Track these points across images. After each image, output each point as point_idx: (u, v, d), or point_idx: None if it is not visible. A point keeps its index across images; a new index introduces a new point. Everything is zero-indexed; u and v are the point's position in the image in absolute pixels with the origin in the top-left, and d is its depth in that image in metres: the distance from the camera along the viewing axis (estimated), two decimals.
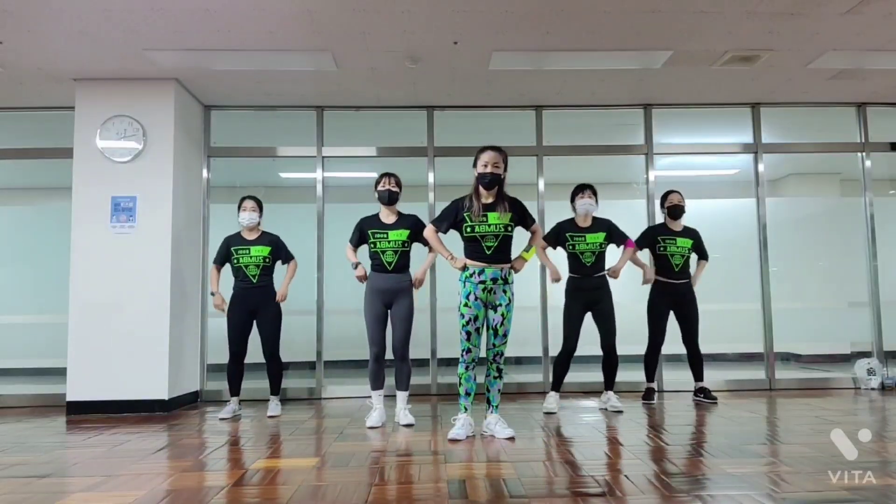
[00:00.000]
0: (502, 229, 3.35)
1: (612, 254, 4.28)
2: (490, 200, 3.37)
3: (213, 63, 4.34)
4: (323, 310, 5.12)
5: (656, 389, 4.68)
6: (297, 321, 4.85)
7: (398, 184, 3.91)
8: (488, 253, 3.34)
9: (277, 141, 5.30)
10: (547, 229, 4.43)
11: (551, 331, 5.13)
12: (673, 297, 4.47)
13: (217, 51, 4.13)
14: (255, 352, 4.26)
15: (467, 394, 3.43)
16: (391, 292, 3.81)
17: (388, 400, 3.94)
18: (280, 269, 4.38)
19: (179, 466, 2.89)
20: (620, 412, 4.06)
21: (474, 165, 3.38)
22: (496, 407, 3.46)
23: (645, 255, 4.61)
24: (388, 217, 3.90)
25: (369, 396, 3.91)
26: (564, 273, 4.20)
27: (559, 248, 4.27)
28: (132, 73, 4.50)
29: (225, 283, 4.31)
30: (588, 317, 4.20)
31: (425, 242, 3.80)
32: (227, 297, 4.25)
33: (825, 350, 6.01)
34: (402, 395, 3.82)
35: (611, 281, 4.21)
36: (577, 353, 4.19)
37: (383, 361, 3.83)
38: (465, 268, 3.38)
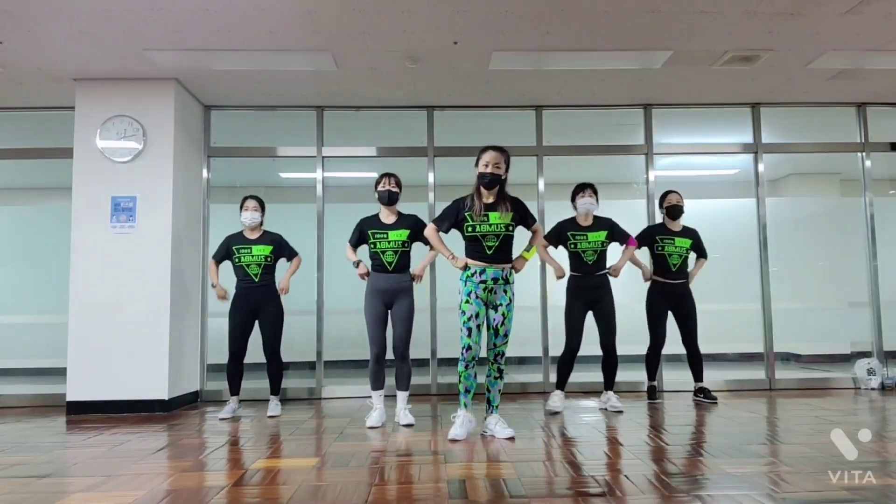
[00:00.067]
0: (503, 229, 3.35)
1: (613, 254, 4.28)
2: (491, 200, 3.38)
3: (213, 63, 4.34)
4: (323, 310, 5.12)
5: (658, 388, 4.68)
6: (297, 321, 4.84)
7: (398, 184, 3.91)
8: (489, 253, 3.34)
9: (277, 141, 5.30)
10: (547, 229, 4.43)
11: (551, 331, 5.13)
12: (670, 297, 4.47)
13: (217, 51, 4.13)
14: (255, 351, 4.26)
15: (467, 391, 3.42)
16: (391, 292, 3.82)
17: (388, 400, 3.94)
18: (282, 270, 4.38)
19: (179, 466, 2.89)
20: (620, 412, 4.06)
21: (476, 165, 3.38)
22: (496, 407, 3.46)
23: (643, 255, 4.61)
24: (387, 217, 3.90)
25: (369, 396, 3.91)
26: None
27: (560, 248, 4.27)
28: (132, 73, 4.50)
29: (226, 282, 4.31)
30: (588, 316, 4.20)
31: (426, 242, 3.80)
32: (229, 295, 4.25)
33: (825, 350, 6.01)
34: (402, 395, 3.82)
35: (611, 280, 4.22)
36: (578, 352, 4.19)
37: (384, 362, 3.83)
38: (466, 267, 3.38)
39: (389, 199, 3.87)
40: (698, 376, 4.54)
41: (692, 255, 4.58)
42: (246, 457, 3.09)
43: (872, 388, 4.94)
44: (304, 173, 5.37)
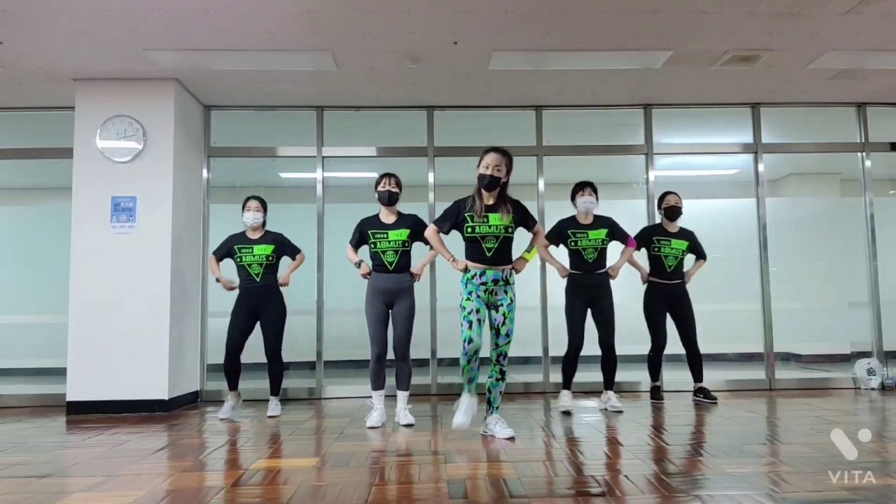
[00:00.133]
0: (503, 230, 3.34)
1: (612, 253, 4.28)
2: (491, 202, 3.37)
3: (213, 63, 4.34)
4: (323, 310, 5.12)
5: (662, 388, 4.68)
6: (297, 321, 4.84)
7: (398, 184, 3.91)
8: (489, 255, 3.34)
9: (277, 141, 5.30)
10: (547, 229, 4.43)
11: (551, 331, 5.13)
12: (666, 298, 4.47)
13: (217, 51, 4.13)
14: (256, 351, 4.26)
15: (470, 380, 3.39)
16: (392, 292, 3.82)
17: (388, 400, 3.94)
18: (285, 268, 4.38)
19: (179, 466, 2.89)
20: (620, 412, 4.06)
21: (477, 166, 3.38)
22: (496, 408, 3.46)
23: (640, 256, 4.60)
24: (387, 217, 3.90)
25: (369, 396, 3.91)
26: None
27: (561, 247, 4.27)
28: (132, 73, 4.50)
29: (229, 276, 4.32)
30: (588, 316, 4.20)
31: (426, 242, 3.80)
32: (235, 283, 4.27)
33: (825, 350, 6.01)
34: (402, 395, 3.82)
35: (610, 280, 4.22)
36: (581, 351, 4.18)
37: (384, 362, 3.83)
38: (466, 269, 3.38)
39: (389, 200, 3.87)
40: (698, 376, 4.55)
41: (689, 257, 4.58)
42: (246, 457, 3.09)
43: (872, 388, 4.94)
44: (304, 173, 5.37)
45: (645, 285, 4.56)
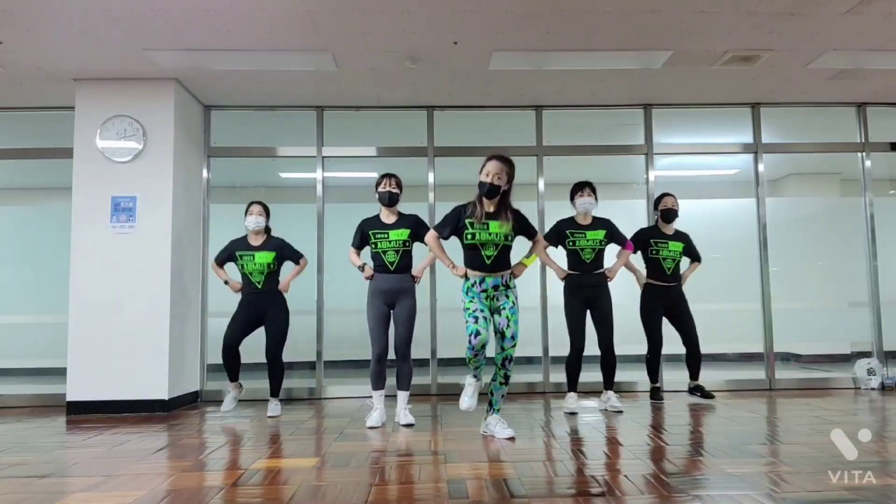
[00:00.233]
0: (502, 239, 3.32)
1: (610, 254, 4.28)
2: (492, 209, 3.35)
3: (213, 63, 4.34)
4: (323, 310, 5.12)
5: (662, 389, 4.68)
6: (297, 321, 4.82)
7: (398, 185, 3.91)
8: (488, 262, 3.32)
9: (277, 141, 5.30)
10: (547, 229, 4.43)
11: (551, 331, 5.14)
12: (664, 300, 4.47)
13: (217, 51, 4.13)
14: (256, 352, 4.26)
15: (477, 367, 3.39)
16: (393, 292, 3.82)
17: (388, 400, 3.94)
18: (287, 271, 4.37)
19: (179, 466, 2.89)
20: (620, 412, 4.06)
21: (479, 173, 3.36)
22: (497, 409, 3.46)
23: (636, 259, 4.59)
24: (388, 217, 3.90)
25: (369, 396, 3.91)
26: None
27: (559, 248, 4.27)
28: (132, 73, 4.50)
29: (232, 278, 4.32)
30: (587, 316, 4.20)
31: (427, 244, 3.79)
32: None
33: (825, 350, 6.01)
34: (402, 395, 3.82)
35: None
36: (583, 351, 4.18)
37: (385, 362, 3.83)
38: (465, 277, 3.37)
39: (390, 200, 3.87)
40: (694, 374, 4.54)
41: (684, 259, 4.58)
42: (246, 457, 3.09)
43: (872, 388, 4.94)
44: (304, 173, 5.37)
45: (641, 288, 4.56)
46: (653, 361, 4.55)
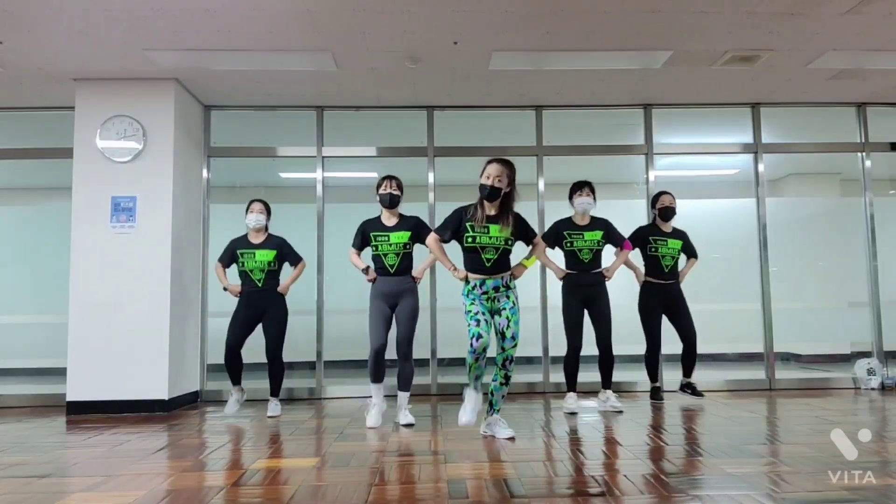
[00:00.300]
0: (502, 242, 3.32)
1: (608, 254, 4.28)
2: (493, 212, 3.35)
3: (213, 63, 4.34)
4: (323, 310, 5.12)
5: (662, 388, 4.68)
6: (297, 321, 4.83)
7: (399, 186, 3.90)
8: (488, 265, 3.31)
9: (277, 141, 5.31)
10: (546, 229, 4.43)
11: (551, 331, 5.14)
12: (662, 298, 4.47)
13: (217, 51, 4.13)
14: (256, 352, 4.26)
15: (477, 377, 3.38)
16: (394, 294, 3.82)
17: (388, 400, 3.94)
18: (287, 271, 4.37)
19: (179, 466, 2.89)
20: (620, 412, 4.06)
21: (480, 175, 3.36)
22: (498, 410, 3.45)
23: (635, 256, 4.59)
24: (389, 219, 3.90)
25: (370, 396, 3.89)
26: None
27: (557, 248, 4.27)
28: (132, 73, 4.50)
29: (231, 281, 4.31)
30: (586, 316, 4.20)
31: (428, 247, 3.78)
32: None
33: (825, 350, 6.01)
34: (403, 396, 3.82)
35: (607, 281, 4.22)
36: (581, 351, 4.17)
37: (383, 355, 3.81)
38: (466, 279, 3.37)
39: (391, 202, 3.86)
40: (687, 372, 4.54)
41: (682, 256, 4.59)
42: (246, 457, 3.09)
43: (872, 388, 4.94)
44: (304, 173, 5.37)
45: (640, 286, 4.56)
46: (652, 360, 4.55)
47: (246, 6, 3.57)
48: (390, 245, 3.82)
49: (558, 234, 4.21)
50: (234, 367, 4.19)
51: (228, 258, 4.29)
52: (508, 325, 3.33)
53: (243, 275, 4.25)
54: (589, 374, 4.41)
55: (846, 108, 5.40)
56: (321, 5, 3.57)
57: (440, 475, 2.63)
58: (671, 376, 5.02)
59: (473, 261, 3.35)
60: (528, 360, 5.28)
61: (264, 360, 4.25)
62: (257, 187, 5.76)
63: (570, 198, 4.25)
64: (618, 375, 4.29)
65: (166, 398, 4.42)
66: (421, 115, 5.28)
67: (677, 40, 4.09)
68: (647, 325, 4.49)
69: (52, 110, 5.04)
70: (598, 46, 4.14)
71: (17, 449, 3.34)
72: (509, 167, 3.31)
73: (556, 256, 4.25)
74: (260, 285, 4.21)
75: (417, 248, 3.92)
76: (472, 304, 3.33)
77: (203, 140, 5.20)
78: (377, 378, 3.82)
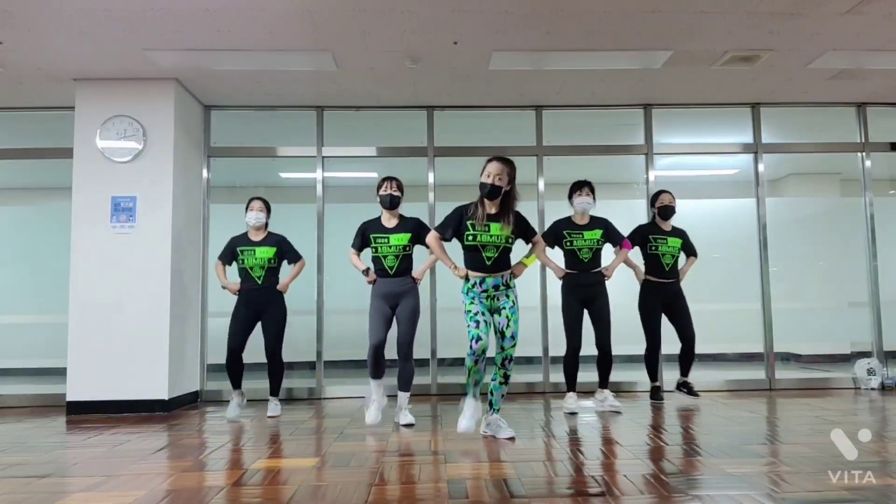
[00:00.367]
0: (503, 241, 3.33)
1: (607, 253, 4.27)
2: (494, 211, 3.35)
3: (213, 63, 4.34)
4: (323, 310, 5.12)
5: (662, 388, 4.68)
6: (297, 321, 4.84)
7: (399, 187, 3.90)
8: (488, 264, 3.32)
9: (277, 141, 5.31)
10: (546, 229, 4.43)
11: (551, 331, 5.13)
12: (663, 297, 4.47)
13: (217, 51, 4.13)
14: (256, 352, 4.26)
15: (476, 383, 3.38)
16: (395, 295, 3.82)
17: (388, 400, 3.93)
18: (287, 271, 4.37)
19: (179, 466, 2.89)
20: (619, 412, 4.06)
21: (480, 174, 3.36)
22: (497, 409, 3.45)
23: (634, 255, 4.59)
24: (389, 221, 3.90)
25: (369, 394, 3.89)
26: None
27: (556, 248, 4.27)
28: (132, 73, 4.50)
29: (230, 279, 4.31)
30: (585, 316, 4.20)
31: (427, 246, 3.78)
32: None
33: (825, 350, 6.01)
34: (403, 396, 3.82)
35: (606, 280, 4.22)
36: (580, 351, 4.17)
37: (382, 352, 3.80)
38: (466, 278, 3.37)
39: (391, 204, 3.86)
40: (685, 371, 4.54)
41: (681, 255, 4.59)
42: (246, 457, 3.09)
43: (872, 388, 4.94)
44: (304, 173, 5.37)
45: (640, 284, 4.56)
46: (652, 359, 4.55)
47: (246, 6, 3.57)
48: (390, 247, 3.82)
49: (558, 234, 4.21)
50: (235, 370, 4.18)
51: (229, 256, 4.28)
52: (508, 325, 3.33)
53: (243, 272, 4.25)
54: (589, 374, 4.41)
55: (846, 108, 5.40)
56: (321, 5, 3.57)
57: (440, 475, 2.63)
58: (671, 376, 5.02)
59: (474, 259, 3.35)
60: (528, 360, 5.28)
61: (264, 360, 4.25)
62: (257, 187, 5.76)
63: (570, 197, 4.26)
64: (617, 375, 4.29)
65: (166, 398, 4.42)
66: (421, 115, 5.28)
67: (677, 40, 4.09)
68: (647, 324, 4.49)
69: (52, 110, 5.04)
70: (598, 46, 4.14)
71: (17, 449, 3.34)
72: (509, 165, 3.31)
73: (556, 256, 4.26)
74: (260, 283, 4.21)
75: (418, 248, 3.92)
76: (472, 303, 3.33)
77: (203, 140, 5.20)
78: (376, 374, 3.82)
